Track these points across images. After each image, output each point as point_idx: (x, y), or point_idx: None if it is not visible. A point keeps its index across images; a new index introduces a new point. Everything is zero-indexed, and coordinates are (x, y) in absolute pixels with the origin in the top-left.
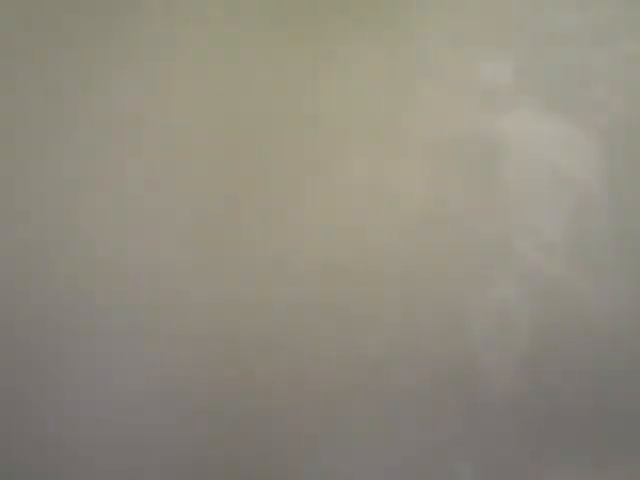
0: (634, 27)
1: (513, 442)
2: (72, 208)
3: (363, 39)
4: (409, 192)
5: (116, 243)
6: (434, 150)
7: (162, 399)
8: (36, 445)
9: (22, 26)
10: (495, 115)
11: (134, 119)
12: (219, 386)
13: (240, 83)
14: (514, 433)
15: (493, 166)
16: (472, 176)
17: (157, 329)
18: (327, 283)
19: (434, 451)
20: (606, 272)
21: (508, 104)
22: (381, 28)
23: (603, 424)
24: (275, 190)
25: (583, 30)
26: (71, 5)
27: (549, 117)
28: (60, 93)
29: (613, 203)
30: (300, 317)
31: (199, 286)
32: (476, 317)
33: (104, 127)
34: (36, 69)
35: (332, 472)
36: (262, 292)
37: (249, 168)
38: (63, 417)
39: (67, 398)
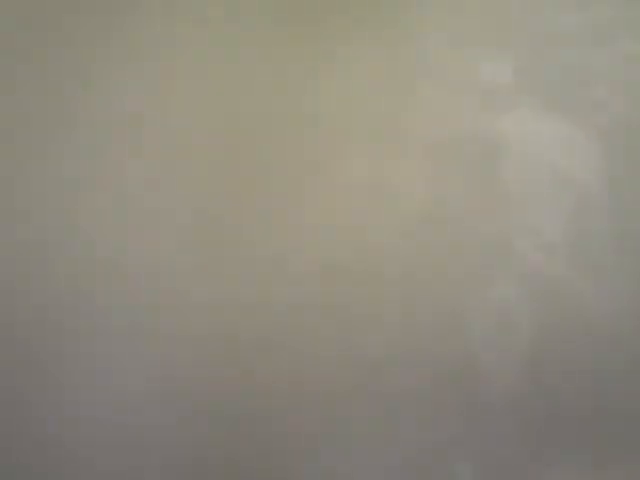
0: (634, 27)
1: (513, 442)
2: (72, 208)
3: (363, 39)
4: (409, 192)
5: (116, 243)
6: (434, 150)
7: (162, 399)
8: (36, 445)
9: (22, 26)
10: (495, 115)
11: (134, 119)
12: (219, 386)
13: (240, 83)
14: (514, 433)
15: (493, 166)
16: (472, 176)
17: (157, 329)
18: (327, 283)
19: (434, 451)
20: (606, 272)
21: (508, 104)
22: (381, 28)
23: (603, 424)
24: (275, 190)
25: (583, 30)
26: (71, 5)
27: (549, 117)
28: (60, 93)
29: (613, 203)
30: (300, 317)
31: (199, 286)
32: (476, 317)
33: (104, 127)
34: (36, 69)
35: (332, 472)
36: (262, 292)
37: (249, 168)
38: (63, 417)
39: (67, 398)
